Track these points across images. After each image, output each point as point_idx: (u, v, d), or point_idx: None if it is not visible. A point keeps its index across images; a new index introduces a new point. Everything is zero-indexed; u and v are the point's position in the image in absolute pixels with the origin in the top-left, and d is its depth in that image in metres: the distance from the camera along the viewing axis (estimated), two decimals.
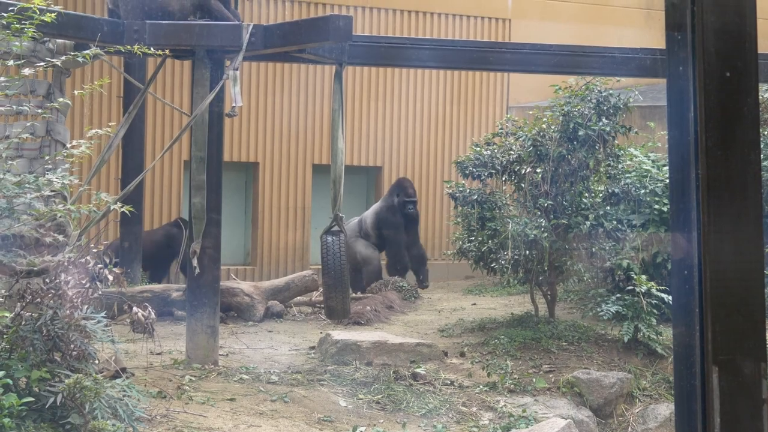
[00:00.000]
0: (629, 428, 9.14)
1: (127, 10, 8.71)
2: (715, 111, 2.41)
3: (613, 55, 9.83)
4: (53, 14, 6.79)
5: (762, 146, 10.76)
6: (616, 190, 10.80)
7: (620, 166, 11.04)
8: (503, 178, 11.17)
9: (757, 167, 2.42)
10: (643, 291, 9.84)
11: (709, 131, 2.40)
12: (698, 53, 2.43)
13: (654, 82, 12.64)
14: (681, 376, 2.47)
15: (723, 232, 2.38)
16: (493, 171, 11.07)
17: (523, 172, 10.74)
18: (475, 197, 11.13)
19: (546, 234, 10.47)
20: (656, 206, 11.06)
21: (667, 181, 10.64)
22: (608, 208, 10.73)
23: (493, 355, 9.80)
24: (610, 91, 10.75)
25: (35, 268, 6.29)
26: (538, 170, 10.64)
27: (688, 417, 2.42)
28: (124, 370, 7.50)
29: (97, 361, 6.45)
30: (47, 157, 7.52)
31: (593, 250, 10.75)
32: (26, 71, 6.76)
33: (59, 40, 8.36)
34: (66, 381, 5.78)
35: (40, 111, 7.38)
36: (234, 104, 8.34)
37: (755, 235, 2.40)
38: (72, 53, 7.22)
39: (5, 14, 6.53)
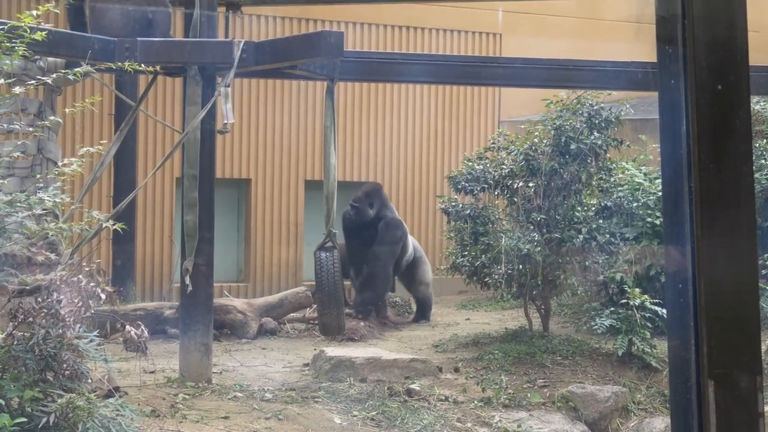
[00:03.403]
0: None
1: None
2: (707, 124, 2.41)
3: (604, 69, 9.84)
4: (44, 33, 6.78)
5: (754, 158, 10.81)
6: (609, 204, 10.81)
7: (612, 179, 11.06)
8: (496, 193, 11.18)
9: (749, 179, 2.42)
10: (636, 304, 9.84)
11: (701, 144, 2.40)
12: (689, 67, 2.43)
13: (645, 96, 12.65)
14: (677, 390, 2.47)
15: (717, 245, 2.38)
16: (486, 186, 11.07)
17: (515, 186, 10.75)
18: (468, 212, 11.13)
19: (539, 248, 10.47)
20: (649, 219, 11.07)
21: (660, 194, 10.66)
22: (601, 221, 10.73)
23: (487, 370, 9.79)
24: (602, 105, 10.77)
25: (27, 287, 6.27)
26: (531, 184, 10.64)
27: (684, 431, 2.42)
28: (117, 389, 7.47)
29: (90, 381, 6.42)
30: (39, 176, 7.51)
31: (586, 263, 10.76)
32: (17, 90, 6.75)
33: (50, 58, 8.36)
34: (59, 401, 5.75)
35: (31, 129, 7.37)
36: (226, 121, 8.33)
37: (749, 247, 2.39)
38: (63, 71, 7.22)
39: None
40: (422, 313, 13.20)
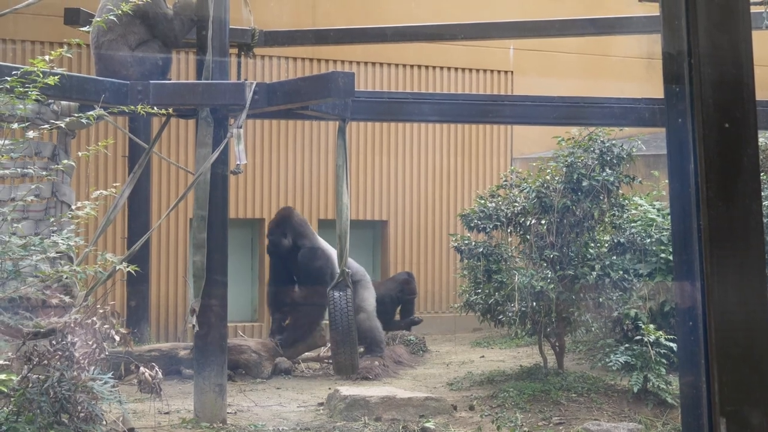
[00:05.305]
0: None
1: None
2: (715, 162, 2.42)
3: (612, 107, 9.87)
4: (56, 77, 6.84)
5: (766, 193, 10.77)
6: (622, 240, 10.79)
7: (625, 215, 11.04)
8: (508, 230, 11.16)
9: (758, 217, 2.42)
10: (651, 340, 9.80)
11: (709, 182, 2.41)
12: (697, 105, 2.44)
13: (658, 131, 12.66)
14: (689, 428, 2.46)
15: (727, 283, 2.38)
16: (498, 223, 11.07)
17: (528, 223, 10.74)
18: (481, 250, 11.12)
19: (552, 285, 10.44)
20: (662, 255, 11.04)
21: None
22: (614, 257, 10.71)
23: (502, 408, 9.74)
24: (613, 142, 10.77)
25: (42, 330, 6.29)
26: (543, 222, 10.64)
27: None
28: (132, 430, 7.47)
29: (104, 423, 6.43)
30: (53, 219, 7.54)
31: (600, 300, 10.71)
32: (31, 134, 6.80)
33: (63, 102, 8.43)
34: None
35: (45, 173, 7.42)
36: (239, 162, 8.38)
37: (759, 284, 2.40)
38: (76, 115, 7.27)
39: (9, 78, 6.58)
40: (368, 348, 12.03)
